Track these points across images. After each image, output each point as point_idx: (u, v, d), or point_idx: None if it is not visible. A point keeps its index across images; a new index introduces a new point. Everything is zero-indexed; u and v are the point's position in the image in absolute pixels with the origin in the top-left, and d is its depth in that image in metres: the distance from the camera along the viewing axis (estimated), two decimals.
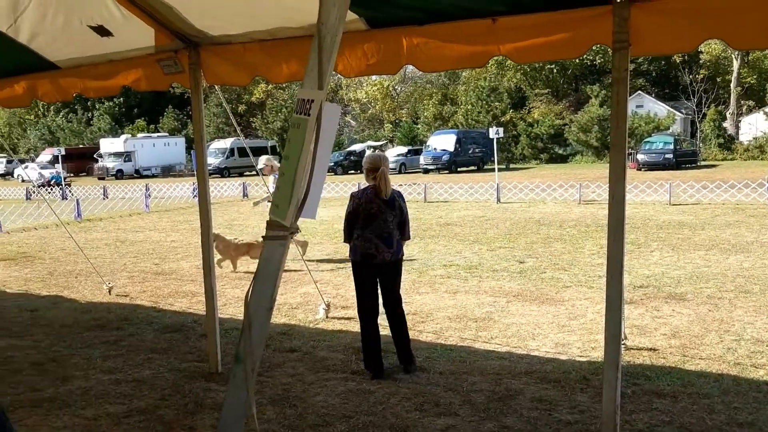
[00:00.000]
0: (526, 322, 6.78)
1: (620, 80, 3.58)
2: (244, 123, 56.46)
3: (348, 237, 5.32)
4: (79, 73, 5.89)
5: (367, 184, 5.31)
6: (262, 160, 10.74)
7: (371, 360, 5.30)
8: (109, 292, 8.78)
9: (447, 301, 7.80)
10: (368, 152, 6.12)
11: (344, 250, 11.70)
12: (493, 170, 25.22)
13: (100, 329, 7.04)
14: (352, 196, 5.34)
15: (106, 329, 7.03)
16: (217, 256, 9.98)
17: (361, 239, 5.20)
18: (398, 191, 5.43)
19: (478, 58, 4.06)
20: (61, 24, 5.20)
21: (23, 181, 39.20)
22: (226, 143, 45.54)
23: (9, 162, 51.02)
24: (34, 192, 28.14)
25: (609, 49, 3.63)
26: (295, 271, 9.33)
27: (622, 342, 4.72)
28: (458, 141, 40.24)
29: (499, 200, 20.19)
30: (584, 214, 16.45)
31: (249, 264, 10.27)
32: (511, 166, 43.74)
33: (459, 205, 19.99)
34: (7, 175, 50.13)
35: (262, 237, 2.26)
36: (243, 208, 21.52)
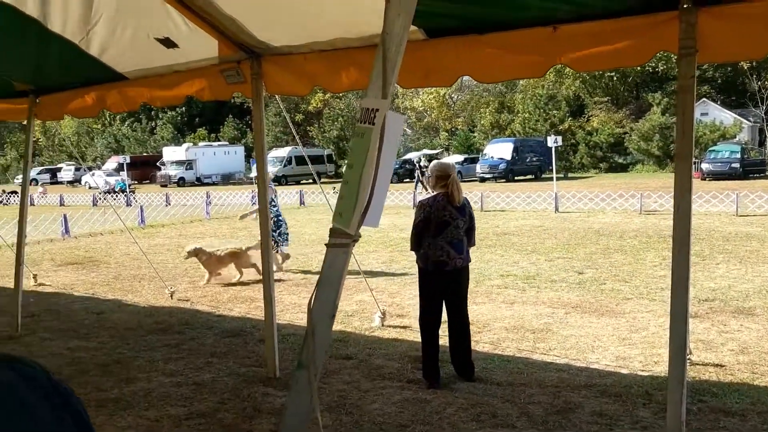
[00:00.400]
0: (585, 334, 6.65)
1: (686, 88, 3.49)
2: (302, 132, 57.23)
3: (417, 246, 5.27)
4: (145, 83, 6.09)
5: (435, 192, 5.30)
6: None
7: (431, 369, 5.26)
8: (171, 296, 9.01)
9: (504, 311, 7.72)
10: (433, 162, 6.08)
11: (399, 258, 11.78)
12: (551, 179, 24.88)
13: (162, 332, 7.23)
14: (422, 204, 5.30)
15: (168, 333, 7.21)
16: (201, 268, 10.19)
17: (433, 247, 5.17)
18: (466, 198, 5.43)
19: (538, 68, 4.02)
20: (130, 37, 5.39)
21: (90, 188, 40.70)
22: (284, 152, 46.19)
23: (77, 169, 52.99)
24: (100, 198, 29.16)
25: (673, 56, 3.55)
26: (353, 275, 9.38)
27: (687, 357, 4.58)
28: (515, 149, 39.82)
29: (557, 209, 19.88)
30: (645, 224, 16.04)
31: (244, 273, 10.31)
32: (570, 175, 42.99)
33: (516, 214, 19.77)
34: (76, 182, 52.04)
35: (325, 244, 2.28)
36: (299, 216, 21.78)
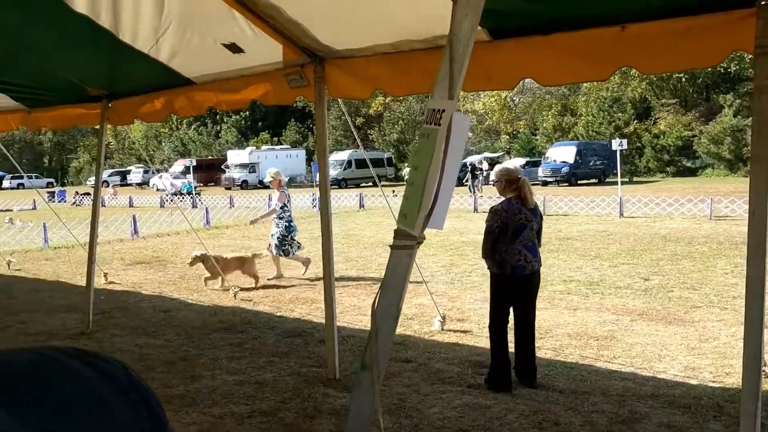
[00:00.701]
0: (651, 342, 6.46)
1: (763, 88, 3.33)
2: (362, 135, 57.63)
3: (491, 252, 5.18)
4: (212, 87, 6.24)
5: (506, 197, 5.25)
6: (271, 173, 10.81)
7: (504, 374, 5.19)
8: (235, 296, 9.19)
9: (567, 317, 7.57)
10: (498, 167, 5.96)
11: (460, 262, 11.70)
12: (615, 183, 24.28)
13: (225, 331, 7.38)
14: (497, 210, 5.19)
15: (231, 332, 7.36)
16: (205, 274, 10.08)
17: (510, 252, 5.12)
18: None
19: (603, 71, 3.91)
20: (197, 43, 5.54)
21: (158, 190, 41.94)
22: (344, 155, 46.59)
23: (146, 172, 54.72)
24: (167, 200, 30.02)
25: (747, 55, 3.40)
26: (413, 278, 9.38)
27: (762, 368, 4.38)
28: (579, 153, 39.06)
29: (621, 214, 19.39)
30: (716, 230, 15.47)
31: (241, 279, 10.20)
32: (635, 179, 41.89)
33: (579, 218, 19.39)
34: (144, 184, 53.75)
35: (389, 246, 2.28)
36: (359, 219, 21.92)
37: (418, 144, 2.25)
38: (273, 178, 10.78)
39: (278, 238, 10.55)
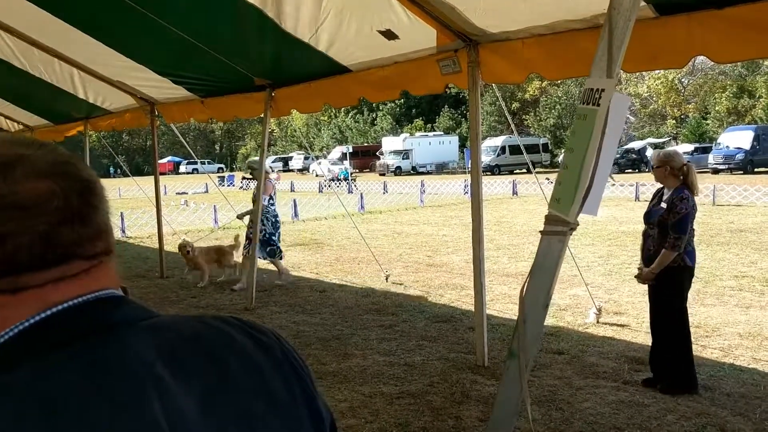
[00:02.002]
0: None
1: None
2: (517, 120, 56.53)
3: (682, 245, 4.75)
4: (363, 79, 6.37)
5: (665, 185, 4.90)
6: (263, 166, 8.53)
7: (694, 375, 4.88)
8: (386, 279, 9.39)
9: (737, 315, 6.98)
10: (659, 151, 5.57)
11: (618, 253, 11.17)
12: None
13: (377, 313, 7.57)
14: (687, 198, 4.73)
15: (382, 314, 7.53)
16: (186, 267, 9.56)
17: (691, 244, 4.80)
18: None
19: None
20: (354, 31, 5.68)
21: (317, 175, 43.78)
22: (498, 141, 45.95)
23: (306, 158, 57.27)
24: (325, 185, 31.25)
25: None
26: (568, 268, 9.08)
27: None
28: (756, 138, 35.73)
29: None
30: None
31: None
32: None
33: (755, 209, 17.79)
34: (304, 170, 56.27)
35: (540, 231, 2.21)
36: (512, 206, 21.56)
37: (575, 125, 2.14)
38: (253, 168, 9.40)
39: (263, 238, 8.96)
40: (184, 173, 63.21)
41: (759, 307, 7.32)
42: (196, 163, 61.11)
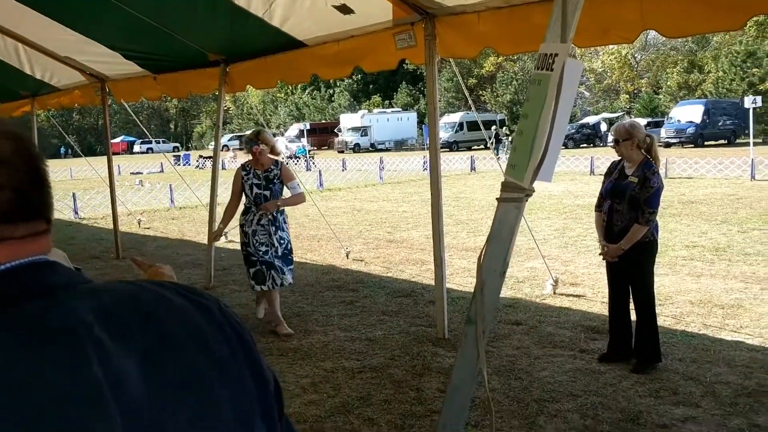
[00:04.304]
0: None
1: None
2: (474, 97, 56.75)
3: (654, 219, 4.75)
4: (315, 56, 6.30)
5: (627, 158, 4.80)
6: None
7: (659, 345, 4.88)
8: (347, 256, 9.39)
9: (689, 284, 7.19)
10: (623, 123, 5.53)
11: (574, 226, 11.37)
12: (746, 144, 22.66)
13: (338, 289, 7.57)
14: (657, 173, 4.71)
15: (343, 290, 7.54)
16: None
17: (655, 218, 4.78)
18: None
19: (735, 19, 3.55)
20: (309, 6, 5.60)
21: None
22: (456, 117, 46.12)
23: None
24: (283, 163, 30.96)
25: None
26: (525, 246, 9.21)
27: None
28: (706, 112, 36.61)
29: (753, 177, 18.08)
30: None
31: None
32: None
33: (705, 182, 18.27)
34: None
35: (497, 199, 2.22)
36: (470, 181, 21.70)
37: (529, 91, 2.15)
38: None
39: (286, 250, 6.06)
40: (138, 153, 61.94)
41: (709, 275, 7.54)
42: (150, 142, 59.83)
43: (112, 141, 11.37)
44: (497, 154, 30.12)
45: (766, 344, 5.22)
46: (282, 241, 5.99)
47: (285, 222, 6.16)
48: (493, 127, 38.04)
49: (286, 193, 6.16)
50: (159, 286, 0.81)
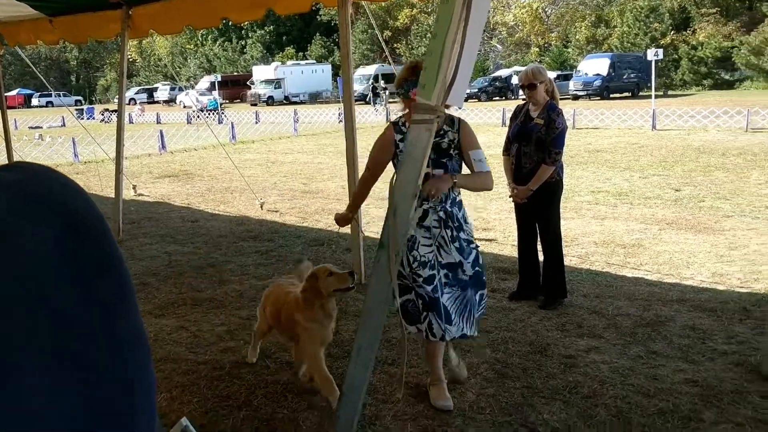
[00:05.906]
0: (679, 250, 6.39)
1: None
2: (389, 49, 56.40)
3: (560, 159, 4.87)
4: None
5: (534, 101, 4.88)
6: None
7: (565, 282, 5.08)
8: (261, 207, 9.27)
9: (593, 226, 7.51)
10: (530, 68, 5.56)
11: None
12: (649, 97, 23.63)
13: (252, 240, 7.47)
14: (561, 114, 4.81)
15: (258, 240, 7.45)
16: None
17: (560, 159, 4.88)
18: None
19: None
20: None
21: (185, 106, 41.85)
22: (371, 70, 45.76)
23: (172, 89, 54.53)
24: (194, 116, 30.01)
25: None
26: None
27: None
28: (612, 65, 37.83)
29: (654, 127, 18.94)
30: (752, 142, 15.06)
31: None
32: (670, 92, 40.68)
33: (610, 132, 18.99)
34: (171, 101, 53.65)
35: (410, 121, 2.20)
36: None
37: (438, 10, 2.13)
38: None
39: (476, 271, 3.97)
40: (37, 107, 58.45)
41: (612, 218, 7.89)
42: (50, 95, 56.45)
43: (6, 94, 10.64)
44: (375, 107, 31.18)
45: (663, 279, 5.54)
46: None
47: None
48: (370, 80, 38.64)
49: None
50: None
